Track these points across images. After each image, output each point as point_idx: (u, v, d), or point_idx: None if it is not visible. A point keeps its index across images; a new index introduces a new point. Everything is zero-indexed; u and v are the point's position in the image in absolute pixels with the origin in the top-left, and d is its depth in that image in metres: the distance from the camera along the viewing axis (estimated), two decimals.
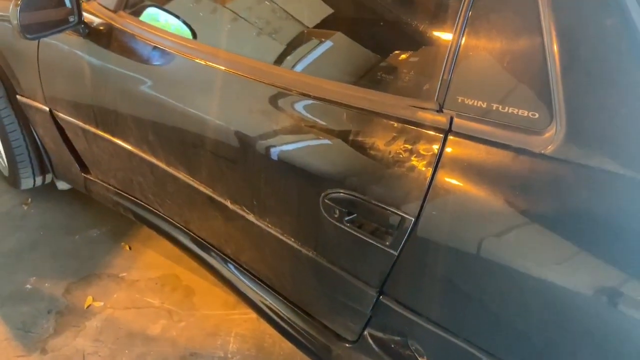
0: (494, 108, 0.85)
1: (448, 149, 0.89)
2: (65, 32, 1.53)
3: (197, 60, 1.33)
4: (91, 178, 1.95)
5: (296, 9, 1.46)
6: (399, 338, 1.10)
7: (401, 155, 0.94)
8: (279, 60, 1.31)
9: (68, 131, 1.85)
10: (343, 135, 1.03)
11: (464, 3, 0.89)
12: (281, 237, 1.24)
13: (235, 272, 1.53)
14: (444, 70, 0.91)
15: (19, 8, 1.35)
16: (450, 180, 0.89)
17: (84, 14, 1.53)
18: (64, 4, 1.47)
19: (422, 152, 0.92)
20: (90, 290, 1.96)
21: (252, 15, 1.51)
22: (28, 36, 1.41)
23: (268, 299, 1.45)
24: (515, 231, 0.83)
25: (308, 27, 1.40)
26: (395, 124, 0.96)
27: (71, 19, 1.49)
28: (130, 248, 2.19)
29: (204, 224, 1.57)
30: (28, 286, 1.96)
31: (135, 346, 1.74)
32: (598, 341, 0.79)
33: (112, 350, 1.72)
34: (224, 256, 1.56)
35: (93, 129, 1.69)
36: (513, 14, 0.85)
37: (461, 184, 0.87)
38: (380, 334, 1.15)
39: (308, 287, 1.32)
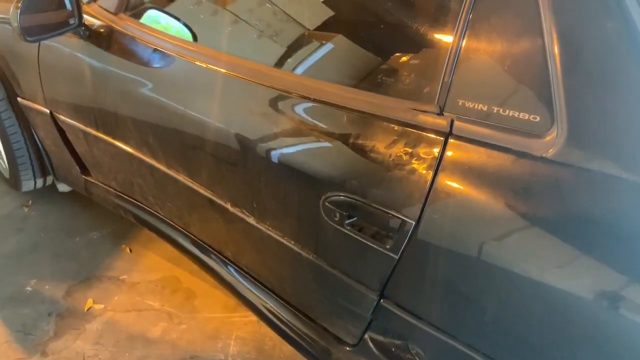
0: (495, 111, 0.85)
1: (449, 152, 0.89)
2: (65, 34, 1.53)
3: (198, 63, 1.33)
4: (92, 180, 1.95)
5: (297, 11, 1.46)
6: (399, 342, 1.10)
7: (402, 158, 0.94)
8: (280, 63, 1.31)
9: (69, 133, 1.85)
10: (343, 138, 1.03)
11: (464, 5, 0.89)
12: (281, 240, 1.24)
13: (236, 274, 1.53)
14: (445, 73, 0.91)
15: (19, 10, 1.35)
16: (451, 184, 0.88)
17: (85, 16, 1.53)
18: (65, 7, 1.47)
19: (422, 155, 0.91)
20: (91, 293, 1.95)
21: (252, 18, 1.51)
22: (28, 39, 1.41)
23: (268, 301, 1.45)
24: (516, 234, 0.83)
25: (309, 30, 1.40)
26: (396, 127, 0.96)
27: (72, 21, 1.49)
28: (130, 250, 2.19)
29: (204, 227, 1.56)
30: (28, 288, 1.96)
31: (135, 349, 1.74)
32: (599, 345, 0.78)
33: (112, 353, 1.72)
34: (224, 259, 1.56)
35: (93, 131, 1.69)
36: (514, 16, 0.84)
37: (462, 187, 0.87)
38: (380, 338, 1.15)
39: (308, 290, 1.31)
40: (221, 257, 1.57)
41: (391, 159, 0.95)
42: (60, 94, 1.75)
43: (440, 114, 0.91)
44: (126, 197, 1.84)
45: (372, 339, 1.17)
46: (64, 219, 2.34)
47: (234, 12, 1.55)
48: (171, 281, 2.04)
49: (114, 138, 1.63)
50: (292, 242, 1.22)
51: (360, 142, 1.00)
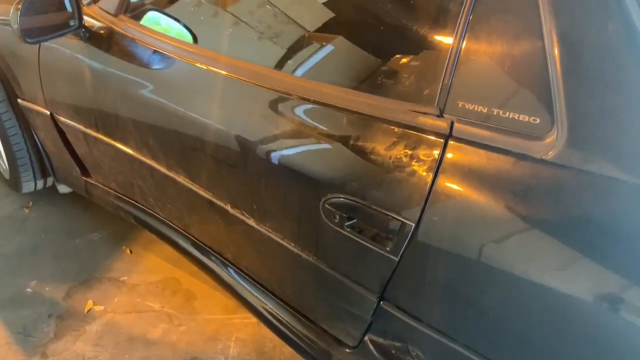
0: (495, 113, 0.85)
1: (449, 154, 0.89)
2: (66, 36, 1.53)
3: (198, 65, 1.33)
4: (92, 181, 1.95)
5: (297, 13, 1.46)
6: (399, 344, 1.09)
7: (401, 161, 0.93)
8: (280, 65, 1.31)
9: (69, 135, 1.85)
10: (343, 140, 1.03)
11: (464, 7, 0.89)
12: (281, 241, 1.23)
13: (236, 276, 1.53)
14: (445, 75, 0.90)
15: (19, 12, 1.35)
16: (451, 186, 0.88)
17: (85, 17, 1.53)
18: (65, 8, 1.47)
19: (422, 157, 0.91)
20: (91, 294, 1.95)
21: (253, 20, 1.51)
22: (28, 40, 1.41)
23: (268, 303, 1.45)
24: (517, 237, 0.83)
25: (309, 31, 1.40)
26: (396, 129, 0.96)
27: (72, 23, 1.49)
28: (131, 252, 2.18)
29: (205, 228, 1.56)
30: (29, 290, 1.96)
31: (135, 350, 1.74)
32: (600, 347, 0.78)
33: (112, 354, 1.72)
34: (224, 260, 1.55)
35: (94, 133, 1.69)
36: (514, 17, 0.84)
37: (462, 190, 0.87)
38: (380, 340, 1.14)
39: (308, 292, 1.31)
40: (221, 258, 1.56)
41: (391, 161, 0.95)
42: (61, 96, 1.75)
43: (440, 115, 0.91)
44: (126, 198, 1.84)
45: (372, 341, 1.17)
46: (65, 221, 2.34)
47: (234, 13, 1.56)
48: (171, 283, 2.03)
49: (114, 139, 1.63)
50: (292, 244, 1.21)
51: (360, 144, 0.99)
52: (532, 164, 0.81)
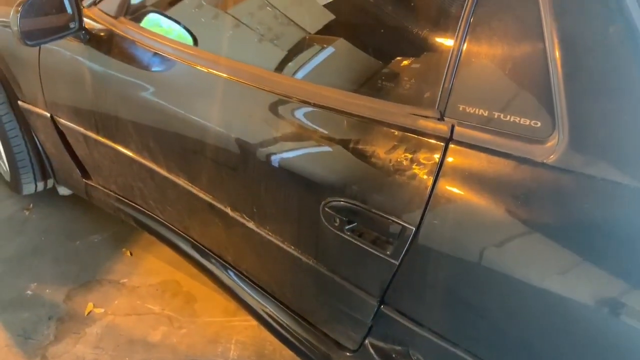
0: (496, 116, 0.84)
1: (449, 158, 0.88)
2: (66, 38, 1.53)
3: (198, 67, 1.33)
4: (92, 184, 1.94)
5: (298, 15, 1.46)
6: (400, 348, 1.09)
7: (402, 164, 0.93)
8: (280, 67, 1.31)
9: (69, 137, 1.85)
10: (343, 143, 1.02)
11: (465, 10, 0.88)
12: (281, 245, 1.23)
13: (236, 279, 1.53)
14: (445, 78, 0.90)
15: (19, 14, 1.34)
16: (452, 189, 0.87)
17: (85, 19, 1.53)
18: (65, 10, 1.47)
19: (422, 160, 0.91)
20: (91, 297, 1.95)
21: (253, 22, 1.51)
22: (28, 42, 1.41)
23: (268, 306, 1.44)
24: (517, 241, 0.82)
25: (310, 33, 1.40)
26: (396, 132, 0.96)
27: (72, 25, 1.48)
28: (131, 254, 2.18)
29: (205, 231, 1.56)
30: (29, 292, 1.96)
31: (135, 353, 1.74)
32: (602, 351, 0.77)
33: (112, 357, 1.72)
34: (225, 263, 1.55)
35: (94, 135, 1.69)
36: (514, 20, 0.84)
37: (462, 193, 0.86)
38: (381, 344, 1.14)
39: (308, 295, 1.31)
40: (221, 261, 1.56)
41: (391, 165, 0.94)
42: (61, 98, 1.75)
43: (441, 119, 0.91)
44: (126, 200, 1.83)
45: (372, 345, 1.16)
46: (65, 222, 2.34)
47: (234, 15, 1.55)
48: (171, 285, 2.03)
49: (114, 142, 1.63)
50: (292, 247, 1.21)
51: (360, 147, 0.99)
52: (533, 168, 0.80)
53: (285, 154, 1.13)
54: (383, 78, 1.10)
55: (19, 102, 1.96)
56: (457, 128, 0.88)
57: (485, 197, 0.84)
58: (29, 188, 2.24)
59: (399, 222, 0.93)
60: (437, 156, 0.89)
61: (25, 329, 1.79)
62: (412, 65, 1.07)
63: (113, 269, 2.09)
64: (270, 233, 1.25)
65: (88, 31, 1.55)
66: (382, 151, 0.96)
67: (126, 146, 1.59)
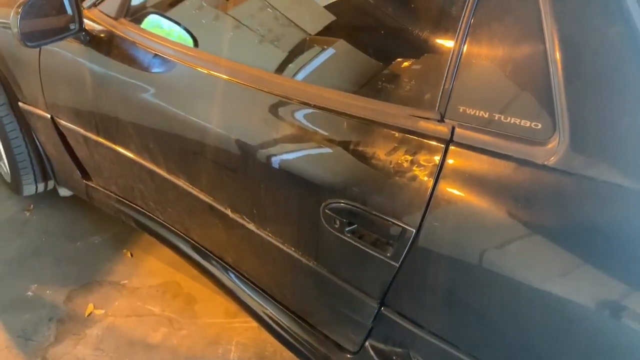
0: (496, 118, 0.84)
1: (449, 160, 0.88)
2: (66, 39, 1.53)
3: (198, 68, 1.33)
4: (92, 185, 1.94)
5: (299, 16, 1.46)
6: (400, 350, 1.09)
7: (402, 166, 0.93)
8: (281, 69, 1.31)
9: (69, 138, 1.85)
10: (343, 145, 1.02)
11: (465, 11, 0.88)
12: (281, 246, 1.23)
13: (236, 280, 1.52)
14: (446, 79, 0.90)
15: (19, 16, 1.34)
16: (452, 191, 0.87)
17: (85, 21, 1.53)
18: (65, 12, 1.46)
19: (423, 162, 0.91)
20: (92, 298, 1.95)
21: (254, 23, 1.51)
22: (28, 44, 1.41)
23: (269, 308, 1.44)
24: (518, 243, 0.82)
25: (310, 35, 1.40)
26: (396, 134, 0.95)
27: (72, 26, 1.48)
28: (131, 255, 2.18)
29: (205, 232, 1.56)
30: (29, 293, 1.95)
31: (135, 354, 1.73)
32: (603, 354, 0.77)
33: (112, 358, 1.71)
34: (225, 264, 1.55)
35: (94, 136, 1.69)
36: (515, 22, 0.84)
37: (463, 195, 0.86)
38: (381, 346, 1.14)
39: (309, 297, 1.31)
40: (222, 262, 1.56)
41: (392, 166, 0.94)
42: (61, 99, 1.75)
43: (441, 120, 0.90)
44: (127, 202, 1.83)
45: (373, 347, 1.16)
46: (65, 224, 2.34)
47: (235, 17, 1.55)
48: (172, 286, 2.03)
49: (114, 143, 1.63)
50: (292, 249, 1.21)
51: (360, 149, 0.99)
52: (534, 170, 0.80)
53: (286, 156, 1.12)
54: (383, 79, 1.10)
55: (20, 104, 1.96)
56: (457, 130, 0.88)
57: (485, 199, 0.84)
58: (29, 189, 2.24)
59: (399, 224, 0.93)
60: (437, 158, 0.89)
61: (26, 330, 1.79)
62: (412, 67, 1.07)
63: (113, 270, 2.09)
64: (270, 235, 1.25)
65: (88, 32, 1.55)
66: (382, 153, 0.96)
67: (126, 147, 1.59)
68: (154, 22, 1.58)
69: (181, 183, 1.46)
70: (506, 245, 0.83)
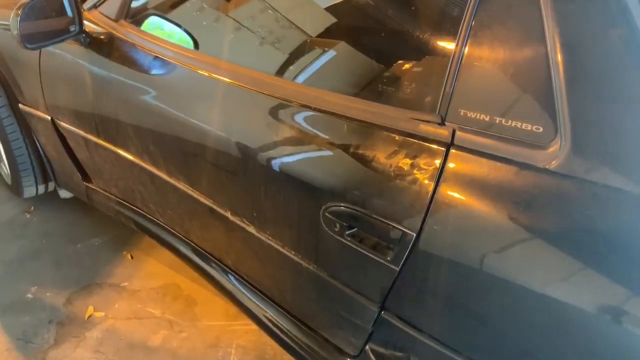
0: (497, 121, 0.84)
1: (450, 163, 0.88)
2: (66, 41, 1.52)
3: (198, 71, 1.32)
4: (93, 187, 1.94)
5: (300, 18, 1.46)
6: (401, 354, 1.08)
7: (403, 169, 0.92)
8: (281, 71, 1.30)
9: (69, 140, 1.85)
10: (344, 148, 1.02)
11: (466, 14, 0.88)
12: (281, 249, 1.22)
13: (236, 283, 1.52)
14: (446, 82, 0.89)
15: (19, 18, 1.34)
16: (453, 195, 0.87)
17: (85, 23, 1.53)
18: (65, 14, 1.46)
19: (423, 165, 0.90)
20: (92, 300, 1.94)
21: (254, 25, 1.50)
22: (28, 46, 1.40)
23: (269, 311, 1.44)
24: (519, 247, 0.81)
25: (311, 37, 1.39)
26: (397, 137, 0.95)
27: (72, 28, 1.48)
28: (132, 257, 2.18)
29: (205, 235, 1.55)
30: (29, 295, 1.95)
31: (136, 357, 1.73)
32: (604, 359, 0.76)
33: None
34: (225, 267, 1.55)
35: (94, 138, 1.69)
36: (516, 24, 0.83)
37: (463, 199, 0.86)
38: (382, 350, 1.13)
39: (309, 300, 1.30)
40: (222, 265, 1.55)
41: (392, 170, 0.93)
42: (61, 101, 1.74)
43: (442, 124, 0.90)
44: (127, 204, 1.83)
45: (373, 351, 1.15)
46: (66, 225, 2.33)
47: (235, 19, 1.55)
48: (172, 288, 2.02)
49: (114, 145, 1.63)
50: (292, 252, 1.20)
51: (360, 152, 0.98)
52: (535, 174, 0.79)
53: (286, 159, 1.12)
54: (384, 82, 1.09)
55: (20, 105, 1.96)
56: (458, 133, 0.88)
57: (486, 202, 0.83)
58: (30, 191, 2.24)
59: (400, 227, 0.92)
60: (438, 161, 0.89)
61: (26, 333, 1.79)
62: (413, 69, 1.06)
63: (114, 272, 2.09)
64: (270, 237, 1.25)
65: (88, 34, 1.54)
66: (382, 156, 0.95)
67: (126, 149, 1.59)
68: (154, 24, 1.58)
69: (181, 185, 1.45)
70: (507, 250, 0.82)
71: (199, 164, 1.35)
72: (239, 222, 1.31)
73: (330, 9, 1.44)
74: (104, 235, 2.28)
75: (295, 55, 1.36)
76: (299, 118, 1.12)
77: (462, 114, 0.87)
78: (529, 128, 0.81)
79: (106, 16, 1.59)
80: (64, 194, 2.27)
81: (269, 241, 1.25)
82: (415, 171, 0.91)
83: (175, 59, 1.38)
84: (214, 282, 1.61)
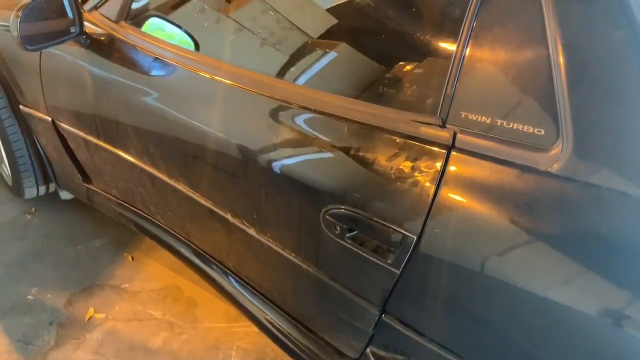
0: (499, 124, 0.83)
1: (451, 166, 0.87)
2: (67, 42, 1.52)
3: (199, 72, 1.32)
4: (93, 188, 1.94)
5: (301, 19, 1.45)
6: (401, 357, 1.08)
7: (403, 172, 0.92)
8: (282, 73, 1.30)
9: (70, 141, 1.84)
10: (344, 150, 1.01)
11: (468, 15, 0.87)
12: (282, 252, 1.22)
13: (237, 285, 1.52)
14: (447, 84, 0.89)
15: (19, 19, 1.33)
16: (454, 198, 0.86)
17: (86, 24, 1.52)
18: (66, 15, 1.46)
19: (424, 168, 0.89)
20: (92, 302, 1.94)
21: (255, 26, 1.50)
22: (28, 47, 1.40)
23: (269, 313, 1.43)
24: (520, 250, 0.81)
25: (313, 38, 1.39)
26: (398, 139, 0.94)
27: (72, 29, 1.48)
28: (132, 258, 2.17)
29: (205, 237, 1.55)
30: (30, 297, 1.95)
31: (136, 359, 1.73)
32: None
33: None
34: (225, 269, 1.54)
35: (95, 140, 1.68)
36: (518, 26, 0.83)
37: (465, 202, 0.85)
38: (382, 353, 1.13)
39: (309, 303, 1.30)
40: (222, 267, 1.55)
41: (393, 172, 0.93)
42: (62, 102, 1.74)
43: (443, 126, 0.89)
44: (128, 205, 1.83)
45: (373, 354, 1.15)
46: (66, 227, 2.33)
47: (236, 20, 1.55)
48: (173, 290, 2.02)
49: (115, 146, 1.62)
50: (293, 255, 1.20)
51: (361, 154, 0.98)
52: (537, 176, 0.79)
53: (286, 161, 1.11)
54: (385, 84, 1.09)
55: (21, 106, 1.96)
56: (459, 135, 0.87)
57: (487, 205, 0.83)
58: (30, 192, 2.24)
59: (400, 230, 0.92)
60: (439, 164, 0.88)
61: (26, 334, 1.78)
62: (414, 71, 1.06)
63: (114, 273, 2.09)
64: (270, 240, 1.24)
65: (89, 35, 1.54)
66: (383, 158, 0.95)
67: (127, 151, 1.59)
68: (154, 25, 1.57)
69: (182, 187, 1.45)
70: (508, 253, 0.82)
71: (200, 166, 1.35)
72: (239, 224, 1.31)
73: (332, 11, 1.44)
74: (105, 237, 2.28)
75: (296, 57, 1.36)
76: (300, 120, 1.12)
77: (463, 116, 0.87)
78: (531, 130, 0.80)
79: (107, 17, 1.58)
80: (65, 195, 2.27)
81: (269, 243, 1.24)
82: (416, 174, 0.90)
83: (175, 61, 1.38)
84: (215, 284, 1.61)
